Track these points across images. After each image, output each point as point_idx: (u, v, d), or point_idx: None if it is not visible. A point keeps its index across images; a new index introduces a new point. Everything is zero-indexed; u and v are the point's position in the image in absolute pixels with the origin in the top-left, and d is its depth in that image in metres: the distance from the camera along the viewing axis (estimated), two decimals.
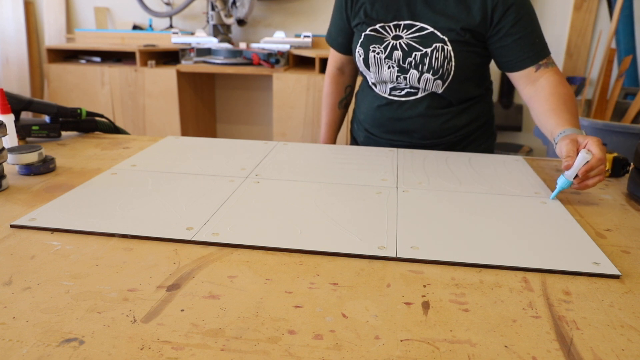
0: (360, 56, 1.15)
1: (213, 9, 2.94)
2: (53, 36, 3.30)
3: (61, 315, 0.50)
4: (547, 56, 1.06)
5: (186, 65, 2.79)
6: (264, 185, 0.87)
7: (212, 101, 3.31)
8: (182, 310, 0.51)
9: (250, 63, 2.75)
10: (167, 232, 0.67)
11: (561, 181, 0.83)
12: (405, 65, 1.10)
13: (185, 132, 2.91)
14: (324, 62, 2.64)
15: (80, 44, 3.02)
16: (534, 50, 1.05)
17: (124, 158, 1.02)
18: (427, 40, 1.07)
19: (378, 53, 1.12)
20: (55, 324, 0.48)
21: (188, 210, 0.75)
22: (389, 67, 1.12)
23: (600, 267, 0.61)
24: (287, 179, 0.90)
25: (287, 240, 0.66)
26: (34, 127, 1.12)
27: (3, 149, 0.84)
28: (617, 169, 0.96)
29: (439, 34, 1.06)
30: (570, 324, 0.51)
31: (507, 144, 3.13)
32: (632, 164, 0.89)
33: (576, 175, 0.82)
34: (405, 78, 1.12)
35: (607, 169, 0.85)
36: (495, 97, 3.10)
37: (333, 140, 1.38)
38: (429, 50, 1.07)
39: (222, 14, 2.93)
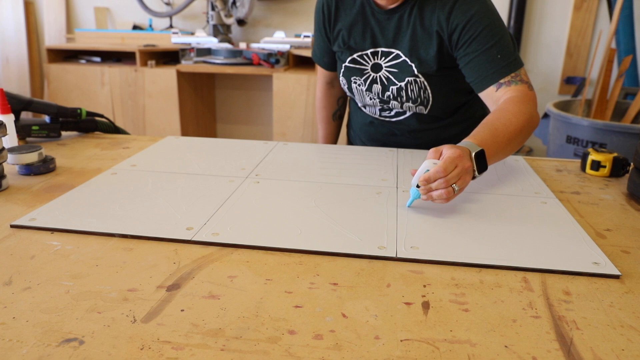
0: (344, 85, 1.15)
1: (213, 9, 2.94)
2: (53, 36, 3.30)
3: (61, 315, 0.50)
4: (510, 73, 0.94)
5: (186, 65, 2.79)
6: (264, 185, 0.87)
7: (212, 101, 3.31)
8: (182, 310, 0.51)
9: (250, 63, 2.75)
10: (167, 232, 0.67)
11: (412, 190, 0.77)
12: (385, 98, 1.10)
13: (185, 132, 2.91)
14: None
15: (80, 44, 3.02)
16: (494, 68, 0.94)
17: (124, 158, 1.02)
18: (401, 73, 1.05)
19: (359, 85, 1.12)
20: (55, 324, 0.48)
21: (188, 210, 0.75)
22: (370, 99, 1.13)
23: (600, 267, 0.61)
24: (287, 179, 0.90)
25: (287, 240, 0.66)
26: (34, 127, 1.12)
27: (3, 149, 0.84)
28: (617, 169, 0.96)
29: (411, 64, 1.03)
30: (570, 324, 0.51)
31: None
32: (632, 164, 0.89)
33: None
34: (389, 107, 1.13)
35: (454, 184, 0.73)
36: None
37: None
38: (402, 84, 1.06)
39: (222, 14, 2.93)
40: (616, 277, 0.60)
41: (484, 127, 0.85)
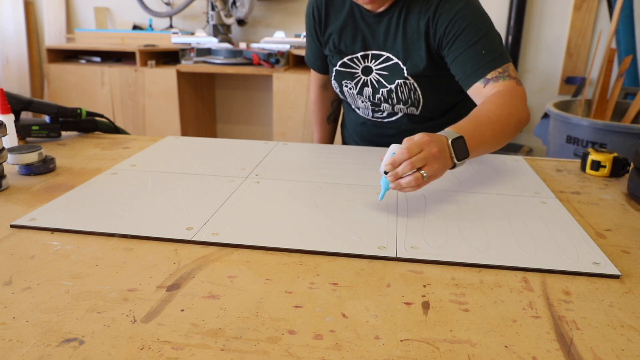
0: (336, 88, 1.16)
1: (213, 9, 2.94)
2: (53, 36, 3.30)
3: (61, 315, 0.50)
4: (496, 68, 0.92)
5: (186, 65, 2.79)
6: (264, 185, 0.87)
7: (212, 101, 3.31)
8: (182, 310, 0.51)
9: (250, 63, 2.75)
10: (167, 232, 0.67)
11: (382, 180, 0.74)
12: (376, 101, 1.11)
13: (185, 132, 2.91)
14: None
15: (80, 44, 3.02)
16: (480, 63, 0.93)
17: (124, 158, 1.02)
18: (391, 75, 1.05)
19: (350, 89, 1.12)
20: (55, 324, 0.48)
21: (188, 210, 0.75)
22: (362, 102, 1.14)
23: (600, 267, 0.61)
24: (287, 179, 0.90)
25: (287, 240, 0.66)
26: (34, 127, 1.12)
27: (3, 149, 0.84)
28: (617, 169, 0.96)
29: (402, 66, 1.03)
30: (570, 324, 0.51)
31: (507, 144, 3.13)
32: (632, 164, 0.89)
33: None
34: (380, 110, 1.13)
35: (421, 169, 0.72)
36: None
37: None
38: (392, 86, 1.06)
39: (222, 14, 2.93)
40: (616, 277, 0.60)
41: (466, 118, 0.84)
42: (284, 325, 0.49)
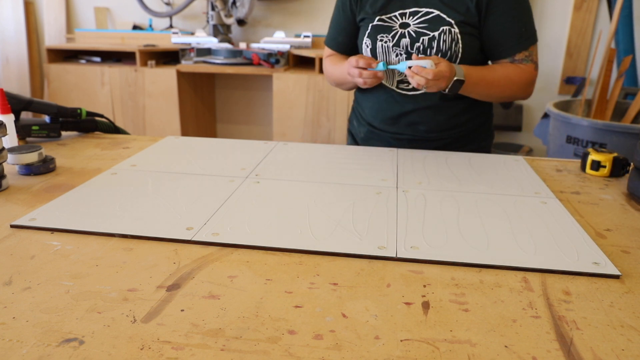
0: (367, 47, 1.16)
1: (213, 9, 2.94)
2: (53, 36, 3.30)
3: (61, 315, 0.50)
4: (527, 49, 1.08)
5: (186, 65, 2.79)
6: (264, 185, 0.87)
7: (212, 101, 3.31)
8: (182, 310, 0.51)
9: (250, 63, 2.75)
10: (167, 232, 0.67)
11: (401, 65, 1.02)
12: (414, 51, 1.12)
13: (185, 132, 2.91)
14: None
15: (80, 44, 3.02)
16: (516, 41, 1.08)
17: (124, 158, 1.02)
18: (434, 24, 1.09)
19: (386, 42, 1.13)
20: (55, 324, 0.48)
21: (188, 210, 0.75)
22: (397, 55, 1.13)
23: (600, 267, 0.61)
24: (287, 179, 0.90)
25: (287, 240, 0.66)
26: (34, 127, 1.12)
27: (3, 149, 0.84)
28: (617, 169, 0.96)
29: (445, 16, 1.08)
30: (570, 324, 0.51)
31: (507, 144, 3.13)
32: (632, 164, 0.89)
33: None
34: (406, 82, 1.13)
35: (428, 82, 0.99)
36: None
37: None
38: (436, 33, 1.09)
39: (222, 14, 2.93)
40: (616, 277, 0.60)
41: (481, 68, 1.07)
42: (284, 325, 0.49)
